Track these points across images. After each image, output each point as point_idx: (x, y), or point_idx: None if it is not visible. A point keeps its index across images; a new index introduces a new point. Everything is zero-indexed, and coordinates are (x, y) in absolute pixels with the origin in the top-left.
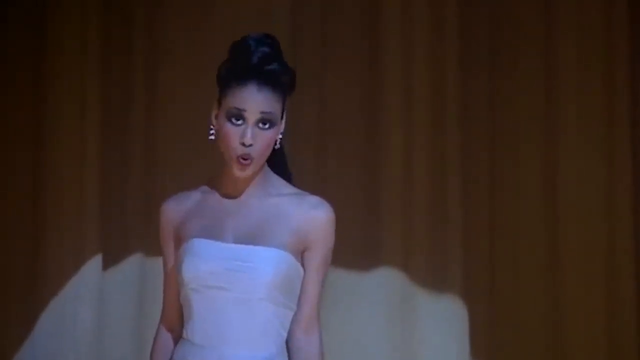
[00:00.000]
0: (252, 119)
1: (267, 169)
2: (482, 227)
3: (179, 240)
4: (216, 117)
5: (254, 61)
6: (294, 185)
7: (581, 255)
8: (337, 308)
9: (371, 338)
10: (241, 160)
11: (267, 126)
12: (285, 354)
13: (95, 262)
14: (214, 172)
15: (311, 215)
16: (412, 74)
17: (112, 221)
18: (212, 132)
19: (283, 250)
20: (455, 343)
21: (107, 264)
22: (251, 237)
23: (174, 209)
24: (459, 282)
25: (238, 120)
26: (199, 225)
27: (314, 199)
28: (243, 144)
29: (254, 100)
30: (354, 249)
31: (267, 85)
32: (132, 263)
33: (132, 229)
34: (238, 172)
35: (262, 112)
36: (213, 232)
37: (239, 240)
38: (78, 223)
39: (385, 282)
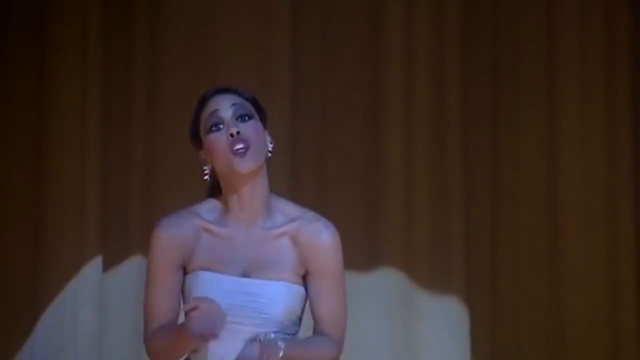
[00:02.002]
0: (228, 115)
1: (270, 193)
2: (484, 227)
3: (185, 266)
4: (205, 160)
5: (211, 92)
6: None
7: (582, 257)
8: None
9: (372, 338)
10: (237, 150)
11: (246, 118)
12: None
13: (95, 264)
14: None
15: (316, 243)
16: (414, 75)
17: (113, 222)
18: (205, 171)
19: (291, 283)
20: (456, 343)
21: (108, 265)
22: (258, 270)
23: (175, 237)
24: (460, 283)
25: (217, 126)
26: (206, 256)
27: (318, 225)
28: (231, 135)
29: (222, 99)
30: (354, 249)
31: (231, 93)
32: (133, 264)
33: (133, 231)
34: (240, 166)
35: (234, 104)
36: (220, 265)
37: (246, 273)
38: (78, 224)
39: (386, 282)
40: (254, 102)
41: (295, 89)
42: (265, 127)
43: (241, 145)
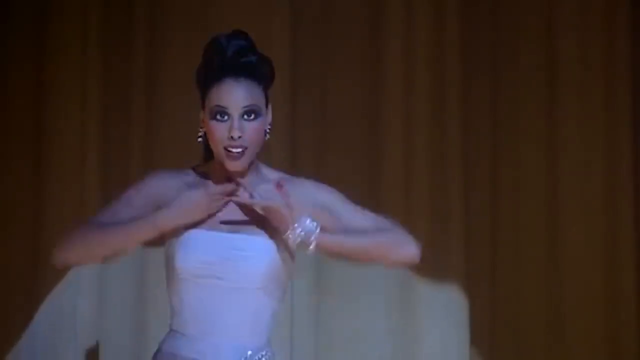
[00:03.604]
0: (236, 114)
1: (258, 163)
2: (483, 217)
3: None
4: (203, 121)
5: (228, 55)
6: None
7: (581, 247)
8: (337, 298)
9: (371, 328)
10: (231, 150)
11: (252, 117)
12: (271, 346)
13: None
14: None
15: (301, 191)
16: (414, 75)
17: None
18: (200, 134)
19: (276, 242)
20: (455, 333)
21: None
22: (245, 227)
23: (166, 185)
24: (459, 272)
25: (223, 116)
26: None
27: (302, 180)
28: (231, 138)
29: (234, 95)
30: None
31: (245, 77)
32: (131, 256)
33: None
34: (232, 165)
35: (245, 107)
36: (206, 222)
37: (233, 230)
38: (78, 214)
39: (385, 272)
40: (265, 72)
41: (295, 89)
42: (268, 98)
43: (238, 150)
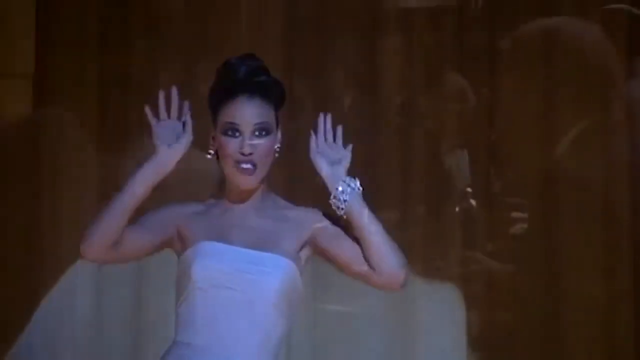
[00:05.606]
0: (247, 131)
1: (266, 188)
2: (481, 216)
3: (182, 238)
4: (213, 138)
5: (240, 75)
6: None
7: (580, 247)
8: (334, 298)
9: (368, 328)
10: (241, 166)
11: (263, 133)
12: None
13: None
14: (212, 169)
15: (305, 220)
16: (413, 74)
17: None
18: (210, 151)
19: (292, 261)
20: (452, 333)
21: None
22: (260, 245)
23: (180, 211)
24: (457, 272)
25: (234, 133)
26: (206, 230)
27: (304, 209)
28: (242, 154)
29: (246, 112)
30: None
31: (257, 96)
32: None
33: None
34: (242, 183)
35: (256, 124)
36: (221, 239)
37: (250, 246)
38: (75, 215)
39: None
40: (276, 93)
41: (291, 90)
42: (278, 119)
43: (248, 166)
